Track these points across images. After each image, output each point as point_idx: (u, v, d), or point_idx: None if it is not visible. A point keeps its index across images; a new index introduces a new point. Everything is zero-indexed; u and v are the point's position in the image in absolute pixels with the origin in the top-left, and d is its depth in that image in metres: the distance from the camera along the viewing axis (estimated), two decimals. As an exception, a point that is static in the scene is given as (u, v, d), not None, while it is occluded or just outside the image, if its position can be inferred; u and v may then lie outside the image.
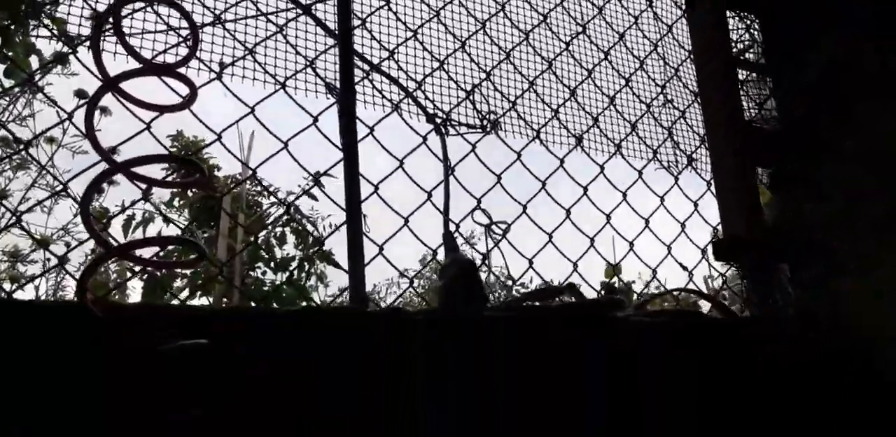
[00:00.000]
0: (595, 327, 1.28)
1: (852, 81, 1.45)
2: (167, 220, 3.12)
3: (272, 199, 3.94)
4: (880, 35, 1.43)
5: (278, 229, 3.60)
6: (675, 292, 1.72)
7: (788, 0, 1.50)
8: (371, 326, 1.06)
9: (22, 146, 1.21)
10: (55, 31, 1.44)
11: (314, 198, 3.44)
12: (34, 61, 1.70)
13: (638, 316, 1.43)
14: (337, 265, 3.42)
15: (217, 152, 4.15)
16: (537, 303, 1.38)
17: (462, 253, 1.28)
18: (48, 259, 2.07)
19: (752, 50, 1.68)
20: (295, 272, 3.58)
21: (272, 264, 3.60)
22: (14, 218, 1.37)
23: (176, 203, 3.91)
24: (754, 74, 1.65)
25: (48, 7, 1.51)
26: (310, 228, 3.56)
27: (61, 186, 1.36)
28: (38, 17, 1.52)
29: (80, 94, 1.73)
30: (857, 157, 1.53)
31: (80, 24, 1.37)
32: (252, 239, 3.63)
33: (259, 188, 4.01)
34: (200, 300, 3.65)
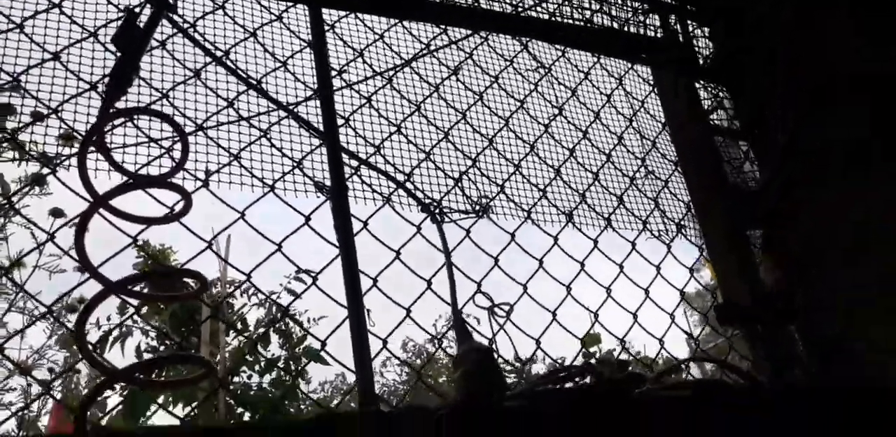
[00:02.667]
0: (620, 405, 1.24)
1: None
2: (145, 333, 3.01)
3: (249, 299, 3.86)
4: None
5: (260, 330, 3.50)
6: (686, 362, 1.68)
7: (755, 73, 1.56)
8: (394, 425, 1.01)
9: (2, 272, 1.16)
10: (29, 153, 1.42)
11: (299, 297, 3.38)
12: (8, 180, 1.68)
13: (659, 390, 1.39)
14: (325, 362, 3.31)
15: (186, 258, 4.08)
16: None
17: (476, 341, 1.24)
18: (29, 385, 1.96)
19: (718, 115, 1.74)
20: (282, 373, 3.44)
21: (256, 368, 3.47)
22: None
23: (144, 313, 3.80)
24: (727, 139, 1.70)
25: (18, 129, 1.50)
26: (295, 326, 3.47)
27: (38, 310, 1.30)
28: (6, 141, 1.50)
29: (55, 213, 1.70)
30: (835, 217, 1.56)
31: (55, 145, 1.36)
32: (234, 343, 3.51)
33: (230, 290, 3.94)
34: (184, 410, 3.48)
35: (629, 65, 1.74)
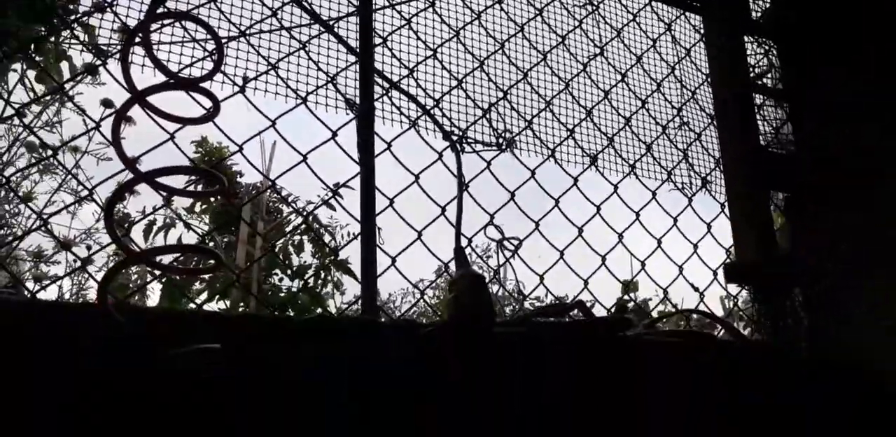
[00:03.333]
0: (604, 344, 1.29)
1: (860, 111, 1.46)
2: (188, 226, 3.17)
3: (288, 206, 3.98)
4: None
5: (296, 238, 3.65)
6: (685, 313, 1.72)
7: (807, 29, 1.51)
8: (382, 337, 1.09)
9: (51, 153, 1.25)
10: (86, 42, 1.49)
11: (332, 208, 3.48)
12: (65, 68, 1.76)
13: (646, 335, 1.44)
14: (352, 274, 3.45)
15: (240, 160, 4.22)
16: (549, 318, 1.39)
17: (473, 268, 1.30)
18: (74, 260, 2.12)
19: (769, 75, 1.69)
20: (311, 280, 3.62)
21: (289, 272, 3.65)
22: (40, 221, 1.41)
23: (197, 209, 3.98)
24: (771, 100, 1.66)
25: (79, 17, 1.56)
26: (327, 237, 3.60)
27: (86, 192, 1.40)
28: (70, 29, 1.57)
29: (106, 103, 1.78)
30: (867, 185, 1.54)
31: (109, 37, 1.42)
32: (270, 247, 3.67)
33: (278, 196, 4.06)
34: (218, 305, 3.70)
35: (681, 11, 1.69)
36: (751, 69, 1.62)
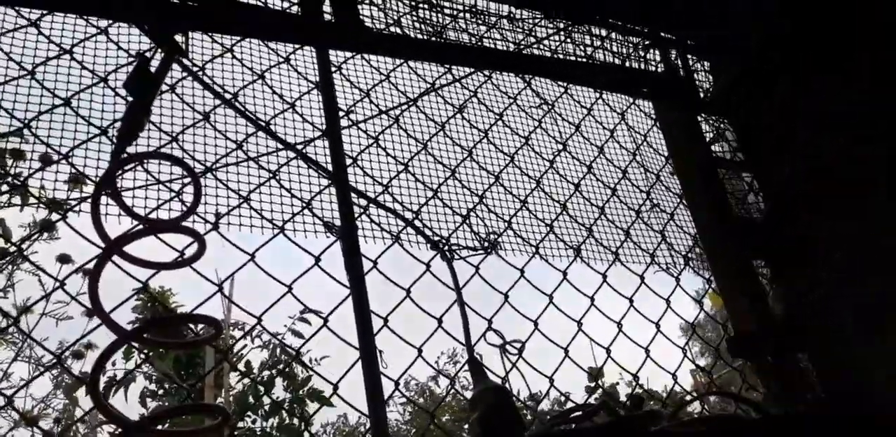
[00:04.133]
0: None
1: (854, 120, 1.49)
2: (149, 377, 2.96)
3: (252, 341, 3.81)
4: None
5: (265, 373, 3.45)
6: (704, 396, 1.66)
7: (801, 38, 1.55)
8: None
9: (12, 320, 1.15)
10: (41, 199, 1.42)
11: (301, 336, 3.35)
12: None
13: (676, 427, 1.37)
14: (331, 404, 3.26)
15: (186, 301, 4.05)
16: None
17: (491, 380, 1.22)
18: (34, 435, 1.91)
19: (721, 147, 1.75)
20: (286, 416, 3.39)
21: (260, 412, 3.41)
22: (3, 398, 1.27)
23: (151, 357, 3.75)
24: (730, 171, 1.71)
25: (28, 176, 1.50)
26: (298, 367, 3.43)
27: (47, 357, 1.28)
28: (18, 186, 1.50)
29: (63, 259, 1.69)
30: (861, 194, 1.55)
31: (66, 190, 1.36)
32: (237, 387, 3.46)
33: (235, 333, 3.90)
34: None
35: (631, 100, 1.76)
36: (709, 145, 1.67)
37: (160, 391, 3.97)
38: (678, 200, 1.75)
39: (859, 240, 1.53)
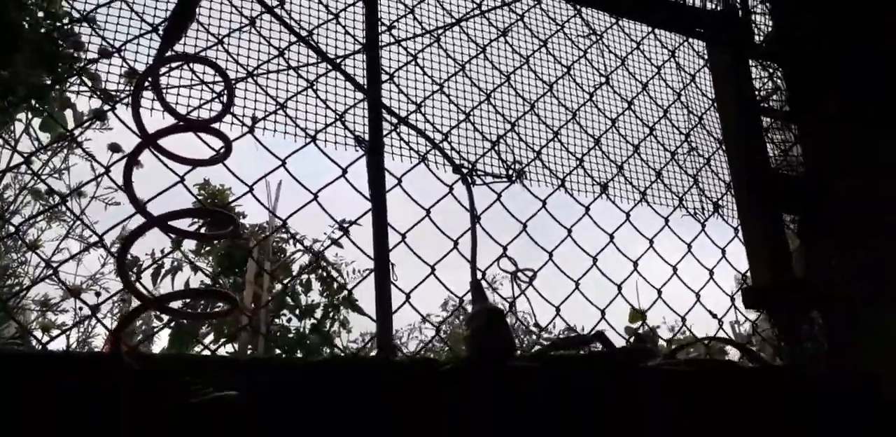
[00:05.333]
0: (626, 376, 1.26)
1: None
2: (195, 268, 3.15)
3: (297, 245, 3.97)
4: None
5: (304, 276, 3.62)
6: (705, 341, 1.69)
7: (811, 54, 1.52)
8: (402, 377, 1.06)
9: (59, 200, 1.24)
10: (92, 89, 1.49)
11: (340, 246, 3.47)
12: (69, 116, 1.76)
13: (667, 365, 1.41)
14: (362, 312, 3.42)
15: (243, 201, 4.23)
16: (566, 351, 1.36)
17: (490, 302, 1.28)
18: (80, 308, 2.09)
19: (775, 97, 1.70)
20: (320, 320, 3.57)
21: (297, 312, 3.60)
22: (49, 269, 1.40)
23: (202, 251, 3.96)
24: (778, 122, 1.66)
25: (85, 65, 1.57)
26: (334, 274, 3.57)
27: (94, 238, 1.39)
28: (78, 75, 1.57)
29: (113, 148, 1.79)
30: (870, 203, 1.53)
31: (117, 82, 1.43)
32: (279, 286, 3.65)
33: (285, 236, 4.06)
34: (226, 348, 3.66)
35: (684, 38, 1.70)
36: (756, 93, 1.62)
37: (213, 284, 4.22)
38: (718, 145, 1.72)
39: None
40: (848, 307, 1.53)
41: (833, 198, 1.53)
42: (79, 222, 1.82)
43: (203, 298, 1.99)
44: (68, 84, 1.68)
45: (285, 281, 3.64)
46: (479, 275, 1.32)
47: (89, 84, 1.40)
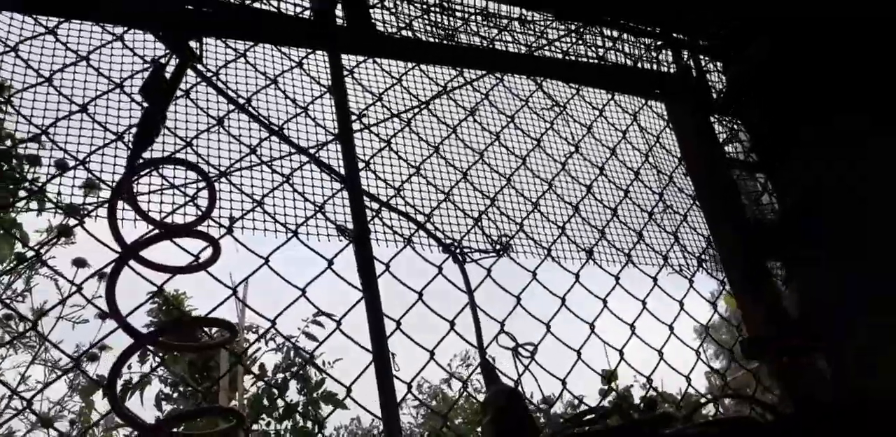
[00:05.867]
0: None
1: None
2: (164, 380, 2.99)
3: (266, 344, 3.83)
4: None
5: (279, 376, 3.47)
6: (717, 399, 1.65)
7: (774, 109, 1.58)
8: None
9: (31, 324, 1.16)
10: (56, 204, 1.44)
11: (315, 339, 3.37)
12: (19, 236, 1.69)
13: (690, 429, 1.36)
14: (344, 407, 3.27)
15: (199, 303, 4.07)
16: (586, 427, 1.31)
17: (504, 383, 1.23)
18: (55, 440, 1.94)
19: (734, 148, 1.75)
20: (300, 419, 3.40)
21: (275, 415, 3.43)
22: (20, 400, 1.29)
23: (169, 362, 3.78)
24: (743, 172, 1.70)
25: (47, 181, 1.52)
26: (312, 370, 3.44)
27: (64, 360, 1.30)
28: (36, 192, 1.52)
29: (78, 263, 1.71)
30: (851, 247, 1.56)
31: (81, 195, 1.38)
32: (252, 390, 3.48)
33: (249, 337, 3.92)
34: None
35: (643, 101, 1.76)
36: (722, 146, 1.67)
37: (175, 395, 4.00)
38: (691, 201, 1.75)
39: (876, 239, 1.53)
40: (852, 341, 1.53)
41: (817, 237, 1.55)
42: (43, 346, 1.70)
43: (212, 416, 1.86)
44: (19, 204, 1.62)
45: (263, 381, 3.48)
46: (486, 354, 1.27)
47: (54, 200, 1.35)
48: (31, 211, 1.63)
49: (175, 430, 0.95)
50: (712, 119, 1.67)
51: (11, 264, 1.56)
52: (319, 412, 3.77)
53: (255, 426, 3.44)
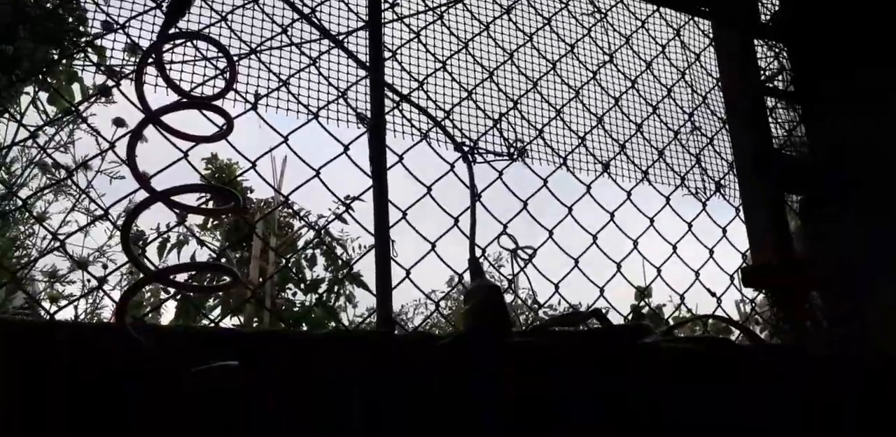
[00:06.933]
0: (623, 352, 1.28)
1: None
2: (201, 242, 3.18)
3: (300, 221, 3.99)
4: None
5: (308, 251, 3.65)
6: (702, 319, 1.71)
7: (820, 32, 1.50)
8: (399, 351, 1.08)
9: (65, 174, 1.26)
10: (97, 64, 1.50)
11: (344, 221, 3.50)
12: (76, 89, 1.77)
13: (665, 342, 1.43)
14: (366, 287, 3.45)
15: (250, 176, 4.24)
16: (565, 328, 1.38)
17: (488, 278, 1.30)
18: (88, 280, 2.13)
19: (779, 77, 1.69)
20: (324, 294, 3.61)
21: (302, 286, 3.65)
22: (56, 242, 1.42)
23: (209, 226, 4.00)
24: (783, 102, 1.66)
25: (90, 39, 1.57)
26: (339, 250, 3.60)
27: (100, 211, 1.41)
28: (82, 51, 1.58)
29: (118, 122, 1.80)
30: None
31: (122, 59, 1.44)
32: (283, 261, 3.68)
33: (291, 211, 4.08)
34: (232, 321, 3.70)
35: (689, 17, 1.69)
36: (762, 72, 1.61)
37: (219, 258, 4.26)
38: (721, 124, 1.72)
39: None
40: (853, 286, 1.54)
41: (844, 177, 1.53)
42: (84, 196, 1.84)
43: (206, 271, 2.02)
44: (74, 58, 1.69)
45: (288, 256, 3.67)
46: (478, 252, 1.33)
47: (94, 59, 1.41)
48: (80, 66, 1.70)
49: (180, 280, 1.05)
50: (759, 43, 1.61)
51: (58, 116, 1.65)
52: (351, 291, 3.98)
53: (281, 295, 3.68)
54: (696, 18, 1.70)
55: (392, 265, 1.37)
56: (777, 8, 1.64)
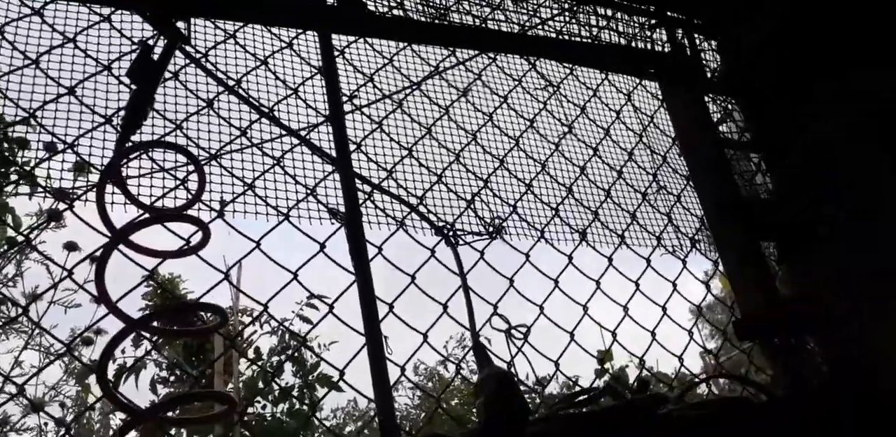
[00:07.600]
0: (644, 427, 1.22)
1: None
2: (158, 364, 2.99)
3: (261, 327, 3.83)
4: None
5: (274, 359, 3.48)
6: (711, 379, 1.66)
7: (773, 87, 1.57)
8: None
9: (22, 309, 1.16)
10: (45, 188, 1.42)
11: (310, 322, 3.37)
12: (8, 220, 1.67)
13: (682, 410, 1.37)
14: (339, 389, 3.28)
15: (194, 286, 4.05)
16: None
17: (496, 364, 1.23)
18: (45, 424, 1.93)
19: (733, 128, 1.74)
20: (296, 402, 3.41)
21: (270, 398, 3.44)
22: (12, 385, 1.29)
23: (162, 347, 3.78)
24: (737, 152, 1.70)
25: (36, 164, 1.50)
26: (308, 353, 3.45)
27: (57, 345, 1.29)
28: (26, 176, 1.50)
29: (69, 246, 1.70)
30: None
31: (71, 179, 1.36)
32: (247, 372, 3.49)
33: (245, 319, 3.92)
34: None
35: (637, 81, 1.74)
36: (716, 124, 1.66)
37: (171, 378, 4.01)
38: (685, 181, 1.74)
39: (868, 216, 1.53)
40: (848, 321, 1.53)
41: (819, 217, 1.55)
42: (37, 331, 1.70)
43: (201, 401, 1.86)
44: (8, 188, 1.61)
45: (257, 366, 3.48)
46: (480, 337, 1.27)
47: (42, 184, 1.34)
48: (22, 195, 1.62)
49: (170, 414, 0.95)
50: (707, 98, 1.66)
51: (3, 249, 1.55)
52: (315, 395, 3.78)
53: (250, 409, 3.46)
54: (643, 83, 1.76)
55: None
56: (719, 64, 1.71)
